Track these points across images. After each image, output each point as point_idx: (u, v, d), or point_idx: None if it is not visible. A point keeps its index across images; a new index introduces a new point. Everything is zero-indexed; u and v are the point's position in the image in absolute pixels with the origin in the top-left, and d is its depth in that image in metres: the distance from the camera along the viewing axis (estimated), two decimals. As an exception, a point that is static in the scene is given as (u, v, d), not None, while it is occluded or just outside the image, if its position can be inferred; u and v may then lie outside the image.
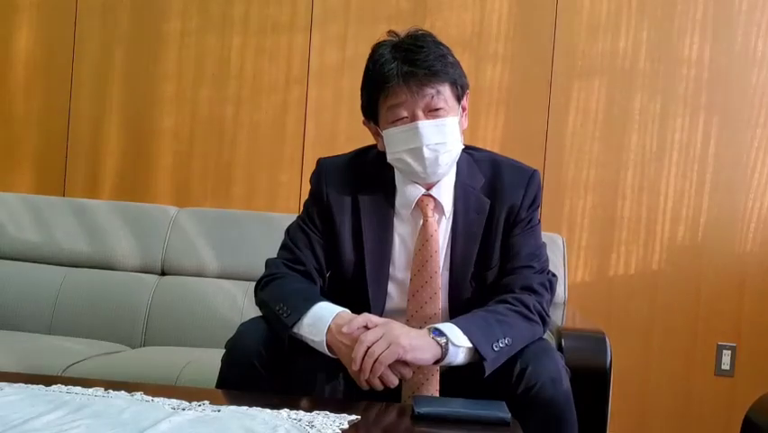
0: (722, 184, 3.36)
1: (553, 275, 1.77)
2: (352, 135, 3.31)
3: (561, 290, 2.63)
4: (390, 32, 1.73)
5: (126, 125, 3.60)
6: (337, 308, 1.63)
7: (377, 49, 1.72)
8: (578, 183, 3.40)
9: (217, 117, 3.54)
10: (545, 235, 2.77)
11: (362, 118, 1.79)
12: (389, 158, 1.73)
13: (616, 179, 3.39)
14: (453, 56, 1.73)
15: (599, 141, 3.40)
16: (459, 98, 1.73)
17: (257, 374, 1.58)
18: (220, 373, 1.63)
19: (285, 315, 1.62)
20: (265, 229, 2.77)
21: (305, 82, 3.50)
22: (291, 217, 1.95)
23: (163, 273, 2.82)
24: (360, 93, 1.76)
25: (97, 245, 2.82)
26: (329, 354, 1.60)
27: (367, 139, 1.86)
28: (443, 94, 1.68)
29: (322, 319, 1.60)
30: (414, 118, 1.67)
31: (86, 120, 3.61)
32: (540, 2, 3.41)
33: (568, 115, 3.41)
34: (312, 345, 1.61)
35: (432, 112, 1.68)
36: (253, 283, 2.77)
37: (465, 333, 1.57)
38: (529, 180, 1.77)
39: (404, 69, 1.65)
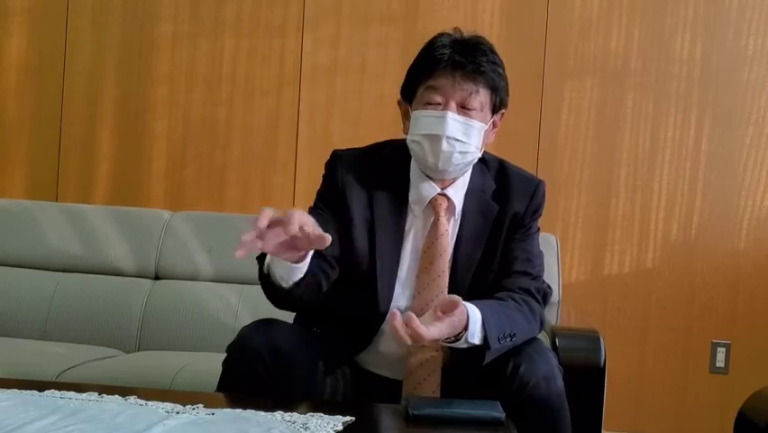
0: (715, 182, 3.36)
1: (549, 286, 1.78)
2: (345, 137, 3.31)
3: (555, 290, 2.62)
4: (456, 29, 1.77)
5: (119, 129, 3.59)
6: None
7: (438, 36, 1.75)
8: (571, 182, 3.41)
9: (210, 120, 3.54)
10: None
11: (398, 98, 1.80)
12: (409, 138, 1.73)
13: (609, 178, 3.39)
14: (505, 72, 1.78)
15: (592, 140, 3.41)
16: (493, 109, 1.76)
17: (259, 379, 1.58)
18: (221, 376, 1.63)
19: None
20: (259, 232, 2.76)
21: (297, 84, 3.49)
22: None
23: (157, 278, 2.81)
24: (405, 75, 1.78)
25: (91, 250, 2.81)
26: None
27: (363, 142, 1.86)
28: (481, 97, 1.71)
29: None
30: (446, 108, 1.69)
31: (79, 124, 3.60)
32: (531, 2, 3.42)
33: (560, 114, 3.41)
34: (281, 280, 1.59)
35: (464, 109, 1.70)
36: (247, 286, 2.75)
37: (482, 319, 1.55)
38: (535, 190, 1.80)
39: (456, 57, 1.69)
